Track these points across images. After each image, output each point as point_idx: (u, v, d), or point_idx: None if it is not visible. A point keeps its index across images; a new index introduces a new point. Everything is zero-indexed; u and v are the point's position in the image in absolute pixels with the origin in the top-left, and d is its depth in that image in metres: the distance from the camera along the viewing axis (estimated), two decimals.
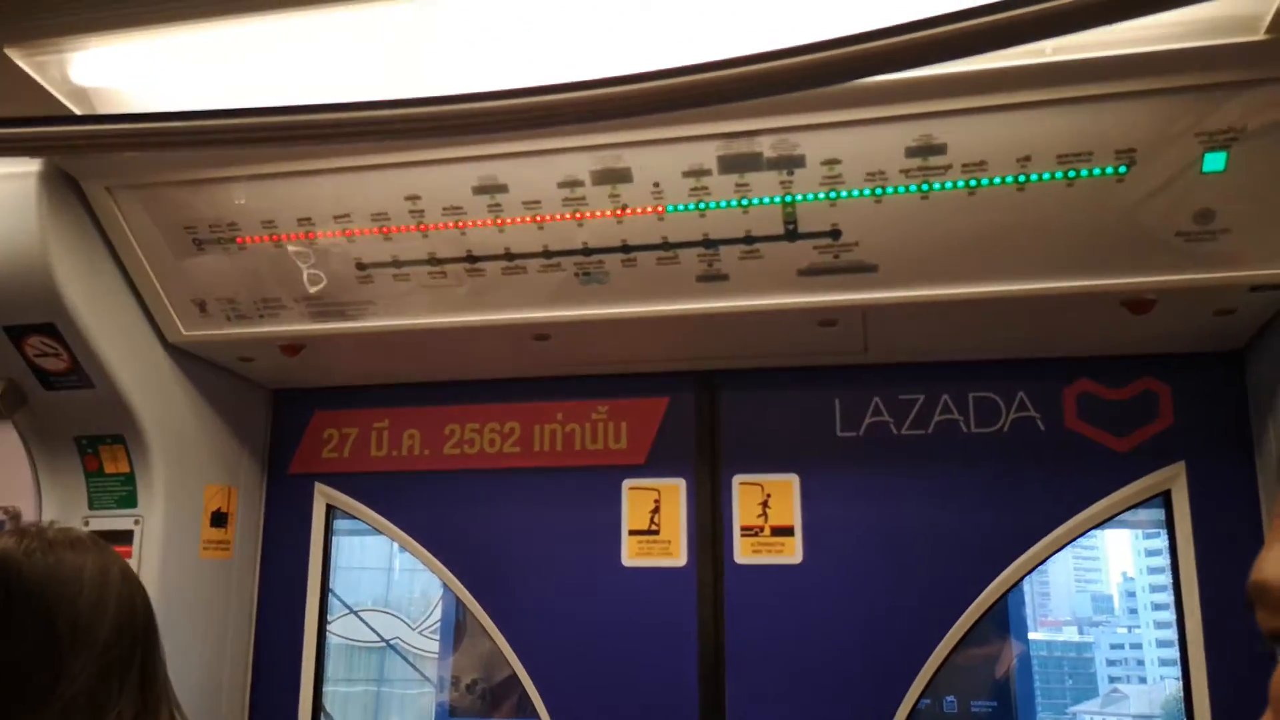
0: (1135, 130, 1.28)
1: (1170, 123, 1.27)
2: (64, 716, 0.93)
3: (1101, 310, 1.51)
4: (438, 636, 2.81)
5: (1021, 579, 1.76)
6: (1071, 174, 1.33)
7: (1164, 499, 1.72)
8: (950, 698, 2.48)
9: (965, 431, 1.81)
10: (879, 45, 1.09)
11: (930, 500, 1.79)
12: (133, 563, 1.76)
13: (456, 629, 2.42)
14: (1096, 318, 1.56)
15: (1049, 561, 1.73)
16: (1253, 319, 1.55)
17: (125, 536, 1.78)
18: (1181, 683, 1.69)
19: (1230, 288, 1.40)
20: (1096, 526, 1.73)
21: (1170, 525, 1.71)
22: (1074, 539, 1.74)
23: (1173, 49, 1.19)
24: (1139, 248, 1.39)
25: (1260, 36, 1.15)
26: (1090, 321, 1.59)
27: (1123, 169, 1.32)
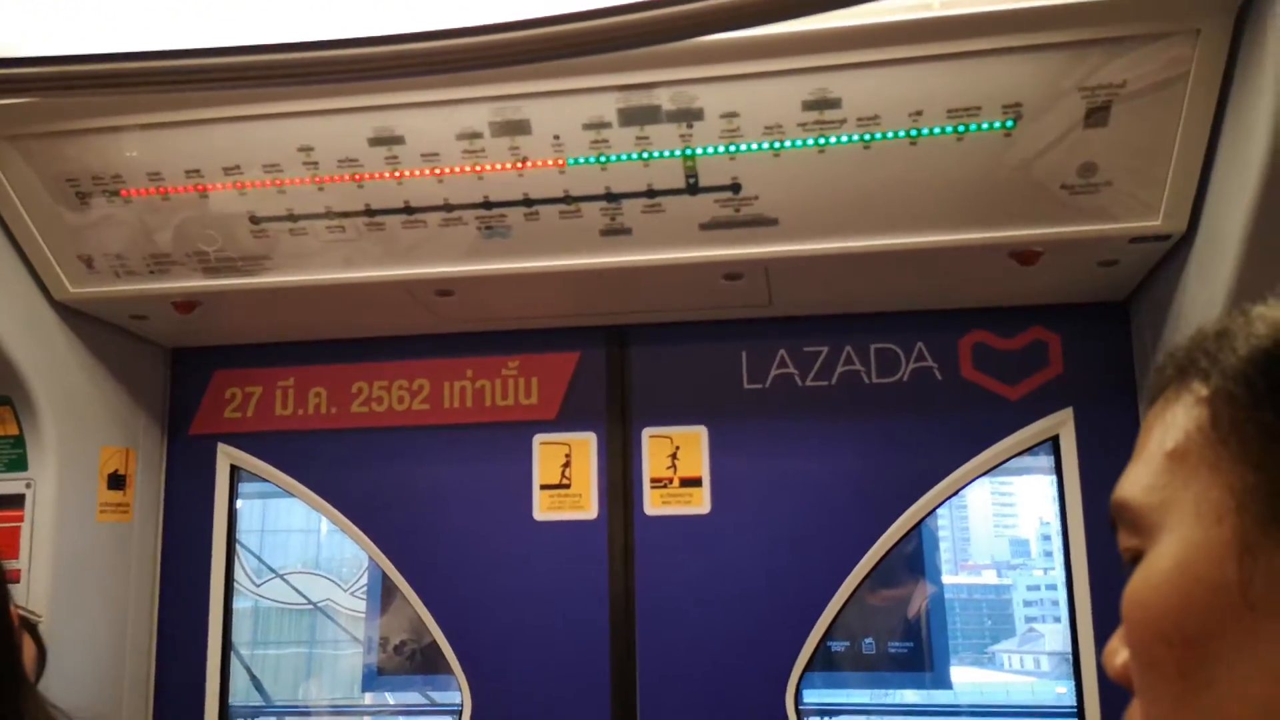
0: (1021, 85, 1.31)
1: (1054, 78, 1.30)
2: None
3: (992, 262, 1.56)
4: None
5: (919, 523, 1.82)
6: (961, 128, 1.36)
7: (1053, 444, 1.80)
8: (868, 639, 2.56)
9: (867, 382, 1.86)
10: None
11: (833, 449, 1.84)
12: (25, 528, 1.70)
13: (385, 590, 2.40)
14: (988, 269, 1.61)
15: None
16: (1135, 269, 1.61)
17: (16, 500, 1.72)
18: (1067, 621, 1.77)
19: (1112, 239, 1.46)
20: (988, 471, 1.80)
21: (1059, 469, 1.79)
22: (968, 483, 1.80)
23: (1054, 4, 1.22)
24: (1026, 201, 1.43)
25: None
26: (982, 273, 1.64)
27: (1010, 123, 1.35)
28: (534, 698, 1.84)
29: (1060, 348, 1.79)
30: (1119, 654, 0.50)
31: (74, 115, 1.48)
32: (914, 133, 1.37)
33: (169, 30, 1.33)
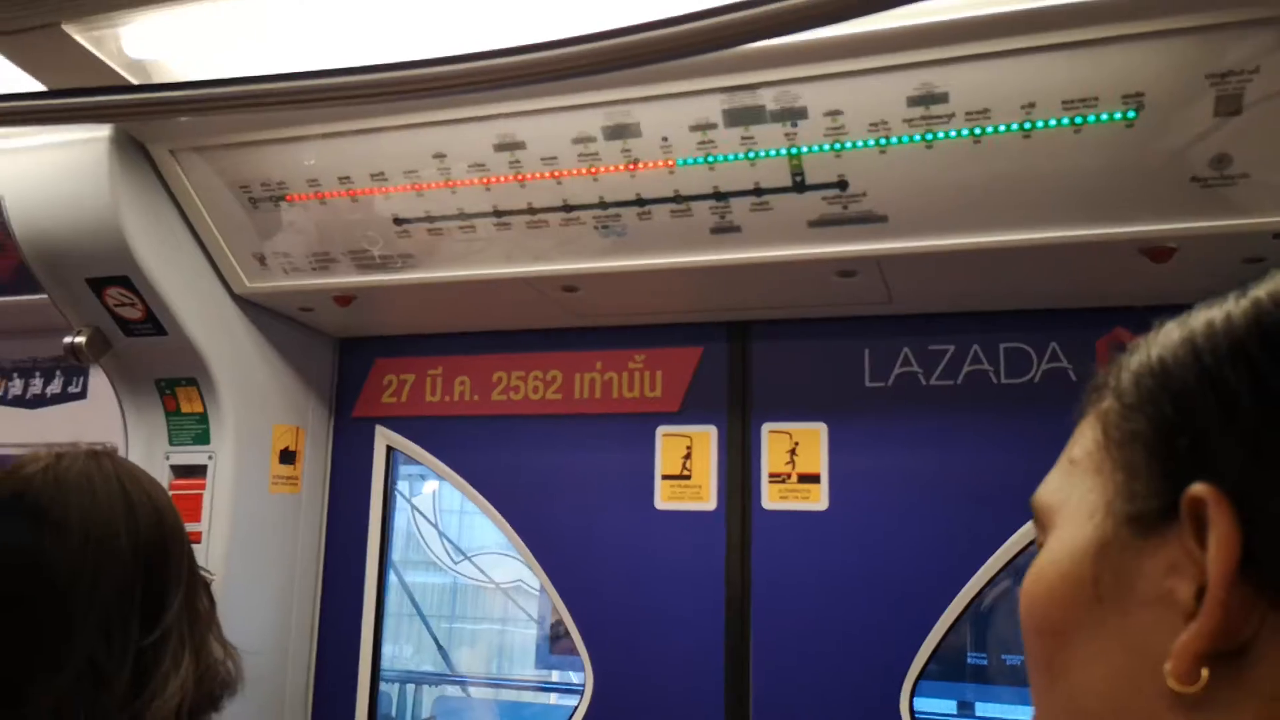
0: (1142, 74, 1.25)
1: (1178, 65, 1.23)
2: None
3: (1123, 259, 1.48)
4: None
5: None
6: (1078, 120, 1.31)
7: None
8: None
9: (996, 382, 1.80)
10: None
11: (957, 450, 1.80)
12: (206, 495, 1.93)
13: None
14: (1122, 267, 1.53)
15: None
16: None
17: (200, 470, 1.95)
18: None
19: (1252, 234, 1.36)
20: None
21: None
22: None
23: None
24: (1153, 195, 1.35)
25: None
26: (1117, 271, 1.56)
27: (1131, 114, 1.28)
28: (651, 681, 1.90)
29: None
30: None
31: (246, 129, 1.66)
32: (1027, 125, 1.33)
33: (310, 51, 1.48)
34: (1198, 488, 0.42)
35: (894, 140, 1.39)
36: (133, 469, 1.18)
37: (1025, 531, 1.73)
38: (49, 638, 0.97)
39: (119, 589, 1.02)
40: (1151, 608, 0.43)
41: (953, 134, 1.37)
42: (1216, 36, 1.20)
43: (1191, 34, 1.20)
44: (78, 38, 1.43)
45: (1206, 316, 0.48)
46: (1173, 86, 1.24)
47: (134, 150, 1.72)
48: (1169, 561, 0.43)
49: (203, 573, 1.33)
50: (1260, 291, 0.47)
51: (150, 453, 1.97)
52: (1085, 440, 0.52)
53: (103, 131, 1.68)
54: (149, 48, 1.50)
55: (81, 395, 2.37)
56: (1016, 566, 1.76)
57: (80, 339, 1.86)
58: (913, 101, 1.35)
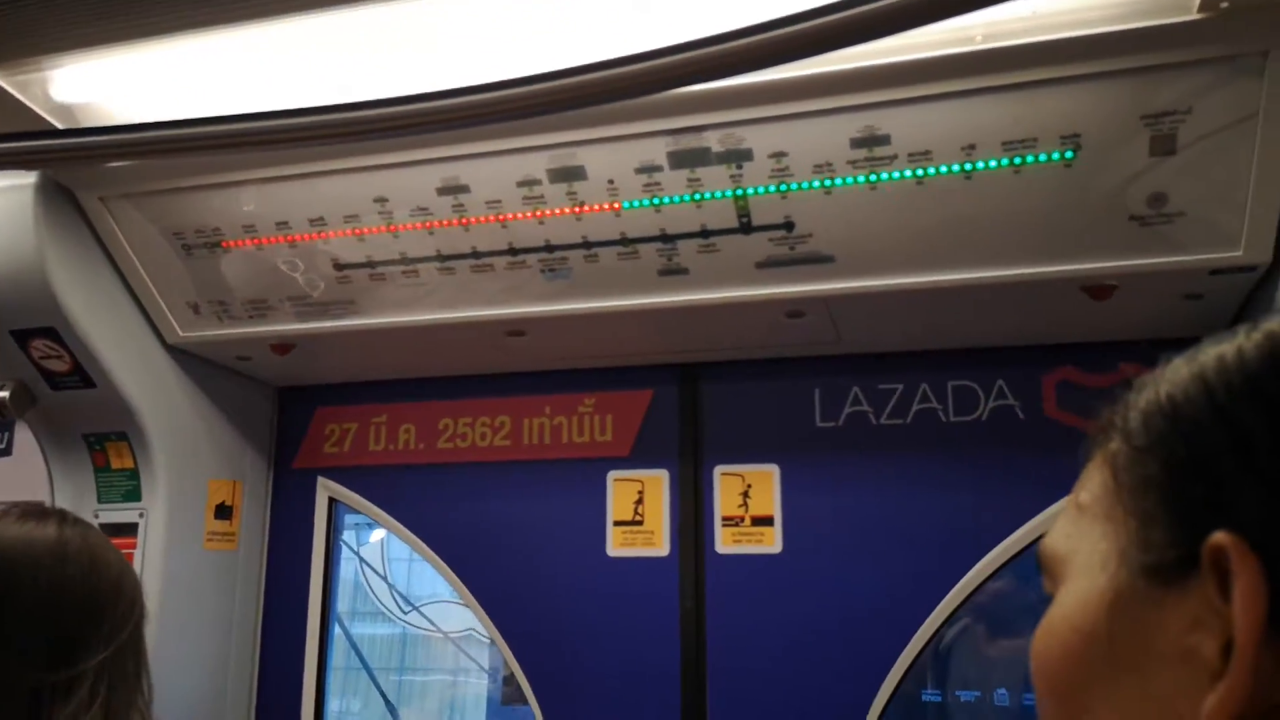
0: (1079, 115, 1.27)
1: (1113, 106, 1.25)
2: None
3: (1066, 297, 1.50)
4: None
5: (1003, 566, 1.75)
6: (1018, 160, 1.32)
7: None
8: (1002, 690, 2.47)
9: (944, 420, 1.80)
10: (809, 26, 1.10)
11: (909, 489, 1.79)
12: (137, 554, 1.84)
13: None
14: (1064, 305, 1.54)
15: None
16: (1225, 303, 1.51)
17: (130, 529, 1.87)
18: None
19: (1190, 271, 1.38)
20: None
21: None
22: None
23: (1105, 32, 1.18)
24: (1093, 233, 1.37)
25: (1192, 16, 1.14)
26: (1060, 309, 1.57)
27: (1069, 154, 1.30)
28: None
29: None
30: None
31: (179, 175, 1.62)
32: (968, 166, 1.34)
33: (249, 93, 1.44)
34: (1219, 536, 0.39)
35: (838, 181, 1.40)
36: (87, 532, 1.19)
37: (980, 569, 1.72)
38: None
39: (23, 631, 1.04)
40: (1174, 667, 0.40)
41: (896, 175, 1.37)
42: (1150, 78, 1.22)
43: (1126, 76, 1.23)
44: (1, 82, 1.38)
45: (1217, 351, 0.45)
46: (1109, 127, 1.27)
47: (61, 198, 1.66)
48: (1191, 616, 0.40)
49: None
50: (1274, 325, 0.45)
51: (77, 511, 1.84)
52: (1093, 484, 0.48)
53: (28, 179, 1.62)
54: (76, 92, 1.45)
55: (7, 452, 2.27)
56: (973, 605, 1.75)
57: (3, 393, 1.77)
58: (856, 143, 1.36)
